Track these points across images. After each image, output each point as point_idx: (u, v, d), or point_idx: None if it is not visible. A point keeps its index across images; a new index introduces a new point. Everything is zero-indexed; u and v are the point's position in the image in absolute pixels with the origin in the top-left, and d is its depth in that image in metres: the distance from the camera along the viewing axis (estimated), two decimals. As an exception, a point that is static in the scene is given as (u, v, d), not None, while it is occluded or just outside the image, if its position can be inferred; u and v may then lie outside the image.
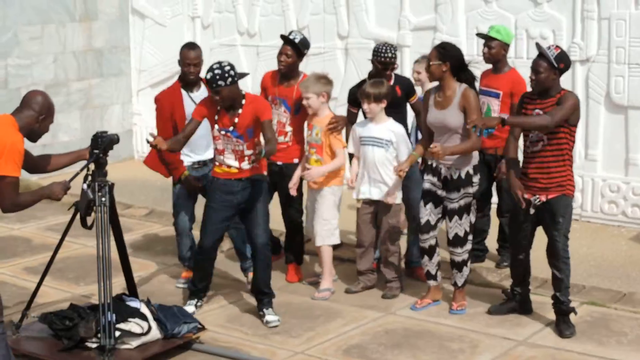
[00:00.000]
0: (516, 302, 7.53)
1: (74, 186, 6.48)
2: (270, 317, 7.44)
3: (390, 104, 7.94)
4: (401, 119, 8.14)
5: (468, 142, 7.35)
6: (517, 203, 7.16)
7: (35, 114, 6.37)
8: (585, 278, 8.26)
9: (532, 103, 7.11)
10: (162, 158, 8.01)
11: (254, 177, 7.43)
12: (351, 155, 8.10)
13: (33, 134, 6.43)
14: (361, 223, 8.07)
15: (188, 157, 8.12)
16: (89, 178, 6.65)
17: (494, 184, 8.49)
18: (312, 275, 8.50)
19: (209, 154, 8.03)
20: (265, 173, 7.65)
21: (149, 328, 6.82)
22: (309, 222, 8.28)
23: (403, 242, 8.28)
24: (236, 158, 7.37)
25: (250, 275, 8.08)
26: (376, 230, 8.05)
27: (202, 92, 8.07)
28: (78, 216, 6.76)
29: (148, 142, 7.10)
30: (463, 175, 7.46)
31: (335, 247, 8.25)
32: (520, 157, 7.31)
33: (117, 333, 6.61)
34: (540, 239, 7.32)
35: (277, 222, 8.51)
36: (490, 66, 8.44)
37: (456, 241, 7.57)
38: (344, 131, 8.15)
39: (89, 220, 6.73)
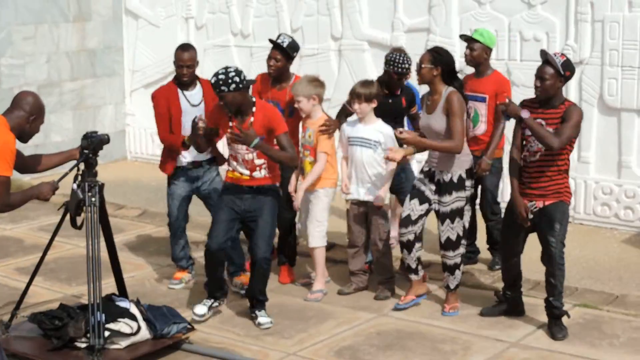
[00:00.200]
0: (508, 304, 7.53)
1: (65, 186, 6.47)
2: (262, 319, 7.42)
3: (393, 115, 7.99)
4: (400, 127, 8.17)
5: (447, 142, 7.31)
6: (522, 222, 7.13)
7: (26, 115, 6.36)
8: (577, 280, 8.25)
9: (533, 112, 7.04)
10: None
11: (265, 186, 7.36)
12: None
13: (24, 135, 6.43)
14: (352, 224, 8.07)
15: (183, 157, 8.14)
16: (79, 178, 6.63)
17: (478, 185, 8.46)
18: (305, 276, 8.49)
19: (204, 155, 8.05)
20: (278, 184, 7.56)
21: (139, 328, 6.80)
22: (302, 223, 8.27)
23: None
24: (247, 167, 7.32)
25: (235, 279, 8.11)
26: (367, 230, 8.05)
27: (197, 91, 8.12)
28: (68, 216, 6.74)
29: (197, 126, 7.32)
30: (455, 179, 7.44)
31: (328, 248, 8.24)
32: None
33: (107, 333, 6.60)
34: (531, 242, 7.31)
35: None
36: (472, 70, 8.44)
37: (448, 245, 7.56)
38: (337, 134, 8.14)
39: (79, 220, 6.71)
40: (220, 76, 7.05)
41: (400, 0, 11.03)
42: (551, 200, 7.06)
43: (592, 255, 9.01)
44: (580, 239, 9.40)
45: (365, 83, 7.93)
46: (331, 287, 8.20)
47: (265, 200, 7.35)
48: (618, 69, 9.67)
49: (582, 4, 9.80)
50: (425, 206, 7.56)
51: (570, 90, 9.82)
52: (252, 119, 7.20)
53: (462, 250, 7.62)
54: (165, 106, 8.06)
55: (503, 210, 8.01)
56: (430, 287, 7.97)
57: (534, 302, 7.58)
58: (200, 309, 7.45)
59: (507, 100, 7.21)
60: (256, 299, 7.47)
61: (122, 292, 7.18)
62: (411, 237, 7.61)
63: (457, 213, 7.49)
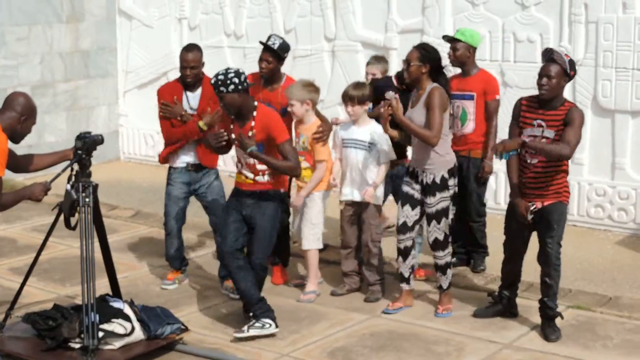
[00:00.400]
0: (503, 305, 7.53)
1: (59, 187, 6.46)
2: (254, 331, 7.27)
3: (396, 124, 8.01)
4: None
5: (424, 130, 7.27)
6: (524, 221, 7.13)
7: (17, 115, 6.38)
8: (571, 282, 8.25)
9: (533, 112, 7.04)
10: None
11: (268, 192, 7.25)
12: None
13: (15, 135, 6.43)
14: (345, 225, 8.07)
15: (181, 158, 8.15)
16: (73, 178, 6.62)
17: (461, 185, 8.41)
18: (298, 277, 8.49)
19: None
20: (282, 190, 7.41)
21: (132, 329, 6.80)
22: (296, 225, 8.26)
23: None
24: (251, 171, 7.26)
25: (226, 282, 8.08)
26: (359, 232, 8.06)
27: (197, 93, 8.14)
28: (62, 217, 6.74)
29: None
30: (438, 180, 7.45)
31: (320, 250, 8.24)
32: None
33: (101, 334, 6.59)
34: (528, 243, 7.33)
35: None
36: (459, 71, 8.43)
37: (437, 245, 7.58)
38: (331, 139, 8.13)
39: (73, 220, 6.71)
40: (220, 77, 7.02)
41: (394, 1, 11.05)
42: (550, 200, 7.06)
43: (585, 257, 9.01)
44: (574, 240, 9.40)
45: (357, 85, 7.93)
46: (324, 288, 8.19)
47: (266, 207, 7.25)
48: (612, 71, 9.68)
49: (576, 5, 9.82)
50: (418, 210, 7.57)
51: (564, 92, 9.76)
52: (253, 123, 7.14)
53: (450, 248, 7.66)
54: (172, 101, 8.08)
55: (489, 212, 8.05)
56: (423, 288, 7.98)
57: (528, 303, 7.57)
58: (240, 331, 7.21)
59: (499, 144, 7.00)
60: (254, 314, 7.24)
61: (116, 292, 7.16)
62: (409, 243, 7.63)
63: (443, 213, 7.51)
